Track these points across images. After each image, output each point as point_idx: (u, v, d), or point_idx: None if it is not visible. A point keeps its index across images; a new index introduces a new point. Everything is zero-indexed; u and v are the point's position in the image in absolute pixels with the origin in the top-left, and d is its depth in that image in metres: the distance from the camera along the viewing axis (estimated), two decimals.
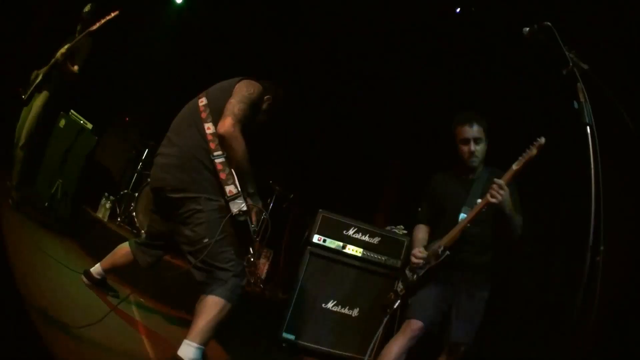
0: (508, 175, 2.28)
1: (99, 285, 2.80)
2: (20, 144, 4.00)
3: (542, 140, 2.15)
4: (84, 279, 2.77)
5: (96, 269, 2.78)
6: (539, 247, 3.50)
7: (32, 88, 4.11)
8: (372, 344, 2.86)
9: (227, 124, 2.22)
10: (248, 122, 2.32)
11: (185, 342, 2.07)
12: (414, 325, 2.38)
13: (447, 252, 2.40)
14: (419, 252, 2.53)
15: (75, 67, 4.04)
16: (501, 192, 2.24)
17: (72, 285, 2.82)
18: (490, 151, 2.67)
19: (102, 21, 3.89)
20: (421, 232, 2.76)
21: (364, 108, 5.72)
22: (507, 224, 2.40)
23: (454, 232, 2.43)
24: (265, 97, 2.56)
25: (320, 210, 3.54)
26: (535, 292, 3.45)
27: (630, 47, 2.98)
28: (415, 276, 2.52)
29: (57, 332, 2.00)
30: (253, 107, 2.36)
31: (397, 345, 2.36)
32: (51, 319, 2.09)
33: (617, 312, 2.53)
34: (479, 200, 2.39)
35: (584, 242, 1.45)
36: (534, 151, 2.17)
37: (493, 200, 2.26)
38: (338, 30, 5.30)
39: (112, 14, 3.88)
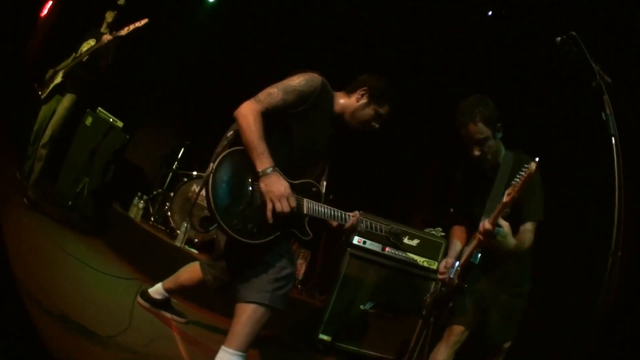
0: (496, 212, 2.02)
1: (159, 306, 2.59)
2: (43, 142, 4.04)
3: (533, 166, 1.84)
4: (140, 301, 2.55)
5: (156, 288, 2.58)
6: (556, 252, 3.50)
7: (50, 87, 4.12)
8: (411, 349, 2.86)
9: (242, 105, 2.11)
10: (279, 109, 2.14)
11: (222, 348, 2.06)
12: (456, 331, 2.34)
13: (464, 285, 2.29)
14: (443, 267, 2.44)
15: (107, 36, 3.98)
16: (488, 238, 2.03)
17: (96, 286, 2.68)
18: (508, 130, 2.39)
19: (131, 27, 3.91)
20: (456, 236, 2.67)
21: (402, 110, 5.73)
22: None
23: (465, 256, 2.32)
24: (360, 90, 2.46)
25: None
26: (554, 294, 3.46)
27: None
28: (443, 289, 2.43)
29: (80, 338, 1.93)
30: (296, 95, 2.16)
31: (442, 354, 2.31)
32: (73, 324, 2.02)
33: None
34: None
35: (595, 247, 1.50)
36: (524, 177, 1.88)
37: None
38: (375, 29, 5.33)
39: (142, 22, 3.90)
